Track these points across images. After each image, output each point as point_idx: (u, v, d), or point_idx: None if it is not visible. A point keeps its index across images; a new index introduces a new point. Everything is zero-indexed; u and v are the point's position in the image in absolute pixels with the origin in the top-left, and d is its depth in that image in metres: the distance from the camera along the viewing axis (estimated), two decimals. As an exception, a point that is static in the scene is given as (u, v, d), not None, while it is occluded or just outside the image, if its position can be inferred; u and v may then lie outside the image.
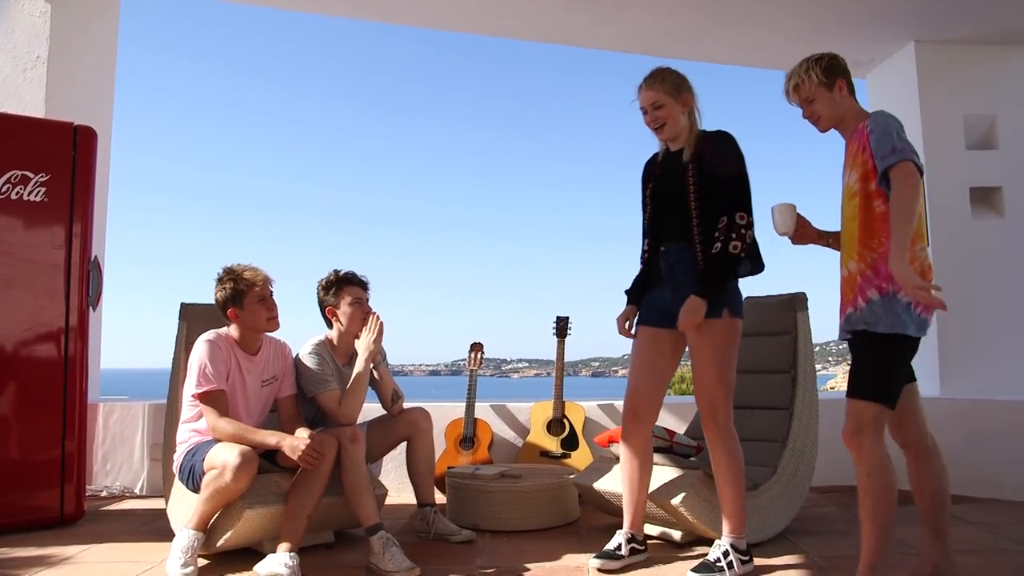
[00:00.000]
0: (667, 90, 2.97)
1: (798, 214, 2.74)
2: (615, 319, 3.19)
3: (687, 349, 3.06)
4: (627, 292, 3.21)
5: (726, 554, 2.88)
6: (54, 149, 3.87)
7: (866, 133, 2.47)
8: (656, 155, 3.18)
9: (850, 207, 2.55)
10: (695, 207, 2.92)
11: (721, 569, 2.83)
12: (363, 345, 3.42)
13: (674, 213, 2.98)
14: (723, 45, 5.50)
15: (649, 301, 3.12)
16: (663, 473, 3.32)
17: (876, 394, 2.41)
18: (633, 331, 3.15)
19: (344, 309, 3.48)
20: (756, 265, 2.99)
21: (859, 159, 2.50)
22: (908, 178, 2.35)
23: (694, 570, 2.86)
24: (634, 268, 3.24)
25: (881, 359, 2.43)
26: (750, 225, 2.87)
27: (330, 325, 3.56)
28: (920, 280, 2.29)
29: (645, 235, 3.17)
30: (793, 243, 2.81)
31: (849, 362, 2.58)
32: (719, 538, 3.01)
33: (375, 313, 3.49)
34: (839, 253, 2.67)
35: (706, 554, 3.00)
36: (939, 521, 2.63)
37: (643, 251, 3.18)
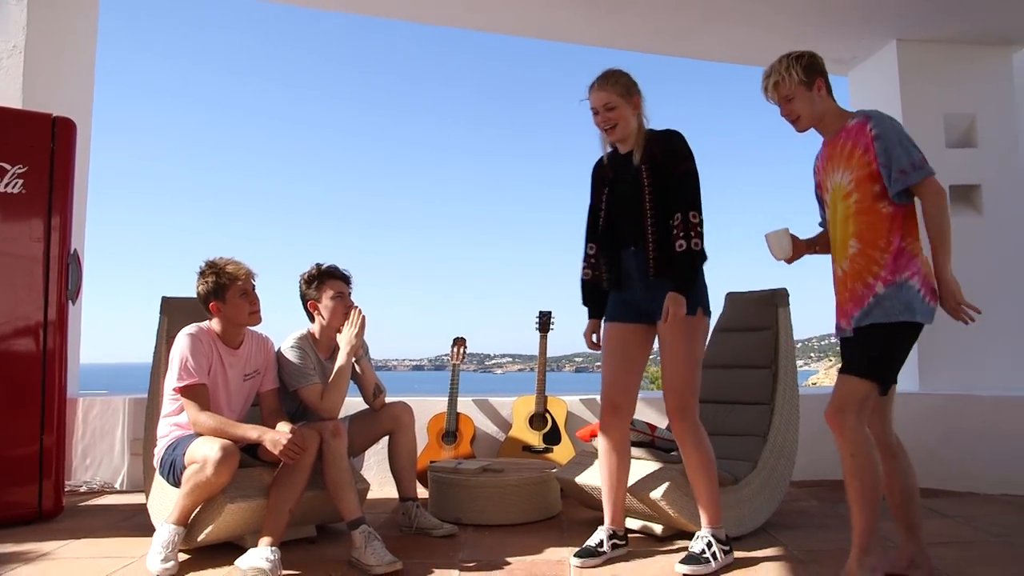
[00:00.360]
0: (619, 92, 2.99)
1: (791, 235, 2.80)
2: (583, 335, 3.24)
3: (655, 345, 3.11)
4: (586, 305, 3.24)
5: (709, 545, 2.91)
6: (32, 141, 3.83)
7: (869, 136, 2.48)
8: (602, 159, 3.19)
9: (845, 206, 2.56)
10: (649, 208, 2.96)
11: (707, 560, 2.86)
12: (345, 339, 3.41)
13: (631, 215, 3.02)
14: (711, 42, 5.53)
15: (617, 300, 3.14)
16: (644, 467, 3.34)
17: (871, 372, 2.44)
18: (599, 341, 3.19)
19: (326, 303, 3.47)
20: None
21: (856, 159, 2.51)
22: (941, 196, 2.48)
23: (682, 562, 2.88)
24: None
25: (885, 343, 2.47)
26: (702, 223, 2.90)
27: (312, 319, 3.54)
28: (963, 298, 2.44)
29: (593, 239, 3.19)
30: (789, 263, 2.86)
31: (831, 358, 2.62)
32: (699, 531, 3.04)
33: (357, 307, 3.48)
34: (830, 254, 2.71)
35: (687, 547, 3.02)
36: (910, 516, 2.67)
37: (588, 254, 3.20)
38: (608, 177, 3.14)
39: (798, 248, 2.82)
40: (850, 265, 2.54)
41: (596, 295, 3.21)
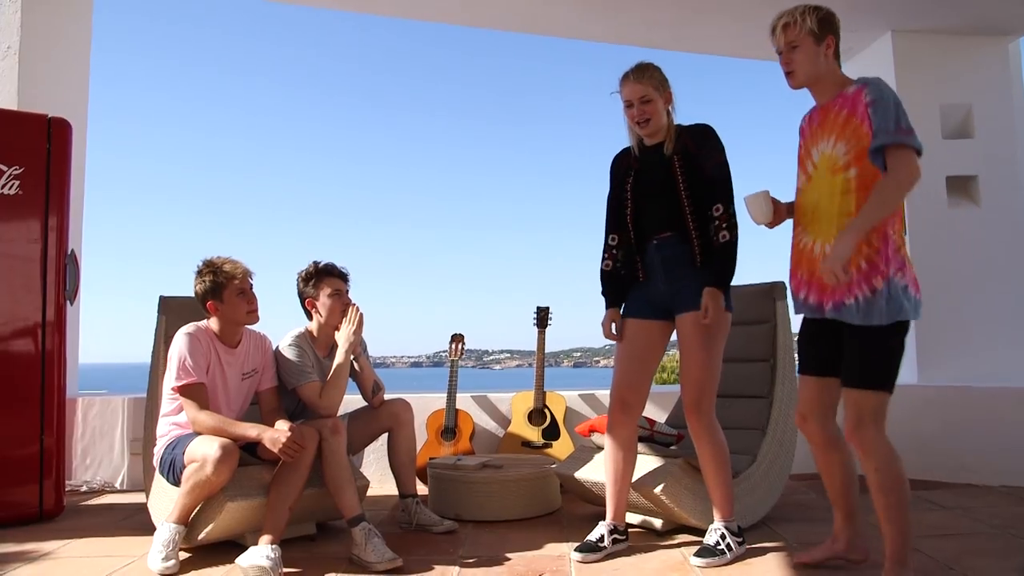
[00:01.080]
0: (655, 85, 2.98)
1: (772, 198, 2.68)
2: (600, 324, 3.19)
3: (670, 340, 3.10)
4: (605, 295, 3.19)
5: (723, 537, 2.92)
6: (28, 142, 3.82)
7: (864, 101, 2.35)
8: (626, 150, 3.17)
9: (836, 181, 2.42)
10: (687, 197, 2.93)
11: (722, 552, 2.87)
12: (343, 337, 3.41)
13: (661, 206, 2.99)
14: (704, 35, 5.52)
15: (636, 295, 3.13)
16: (644, 462, 3.34)
17: (880, 382, 2.35)
18: (618, 332, 3.15)
19: (323, 301, 3.47)
20: None
21: (852, 129, 2.38)
22: (911, 170, 2.29)
23: (697, 555, 2.90)
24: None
25: (883, 347, 2.36)
26: (735, 215, 2.91)
27: (310, 317, 3.55)
28: (843, 274, 2.25)
29: (615, 229, 3.17)
30: (770, 228, 2.77)
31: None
32: (701, 525, 3.08)
33: (355, 305, 3.48)
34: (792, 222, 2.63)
35: (687, 542, 3.04)
36: (850, 504, 2.68)
37: (609, 245, 3.17)
38: (633, 167, 3.10)
39: (779, 212, 2.70)
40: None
41: (616, 285, 3.17)
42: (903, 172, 2.29)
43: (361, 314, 3.46)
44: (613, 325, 3.15)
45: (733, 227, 2.88)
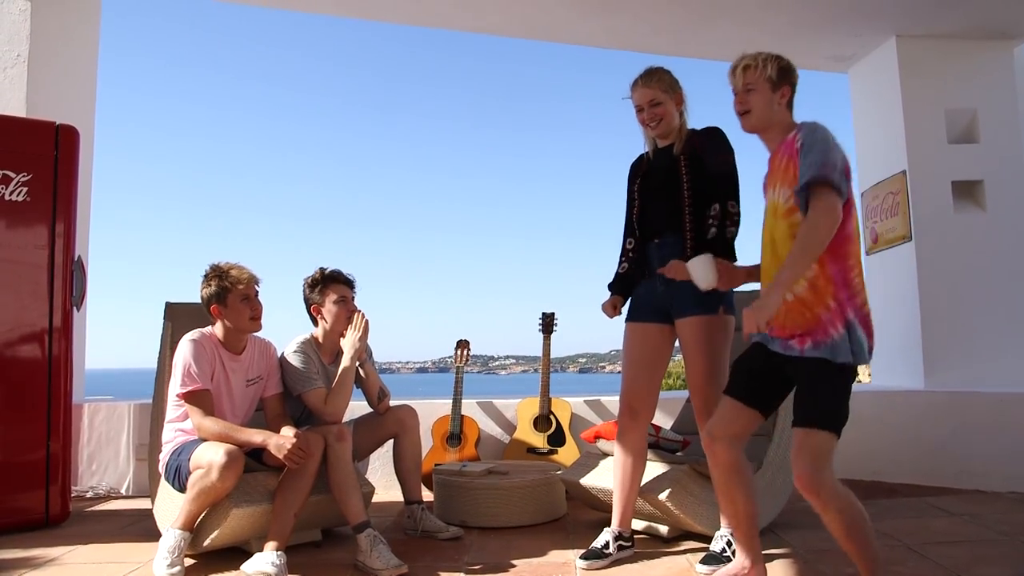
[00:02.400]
0: (664, 88, 3.01)
1: (717, 261, 2.63)
2: (600, 308, 3.19)
3: (676, 344, 3.09)
4: (610, 286, 3.21)
5: (729, 544, 2.91)
6: (36, 149, 3.84)
7: (795, 145, 2.35)
8: (644, 155, 3.19)
9: (783, 225, 2.40)
10: (688, 196, 2.95)
11: (728, 558, 2.86)
12: (349, 343, 3.41)
13: (664, 205, 3.01)
14: (705, 41, 5.52)
15: (637, 297, 3.13)
16: (649, 468, 3.33)
17: (837, 424, 2.29)
18: (620, 311, 3.16)
19: (329, 307, 3.47)
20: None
21: (790, 173, 2.36)
22: (829, 212, 2.22)
23: (702, 562, 2.89)
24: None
25: (841, 388, 2.31)
26: (739, 214, 2.92)
27: (315, 323, 3.55)
28: (764, 326, 2.21)
29: (629, 232, 3.18)
30: (722, 290, 2.74)
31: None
32: (707, 532, 3.08)
33: (360, 311, 3.48)
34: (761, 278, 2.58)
35: (693, 548, 3.03)
36: (754, 533, 2.62)
37: (626, 248, 3.19)
38: (643, 169, 3.15)
39: (733, 275, 2.68)
40: (804, 292, 2.32)
41: (626, 282, 3.18)
42: (816, 213, 2.24)
43: (367, 321, 3.46)
44: (613, 307, 3.16)
45: (725, 225, 2.88)
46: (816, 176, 2.24)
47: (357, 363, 3.44)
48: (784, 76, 2.51)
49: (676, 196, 2.97)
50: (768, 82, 2.48)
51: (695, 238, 2.93)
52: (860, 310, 2.33)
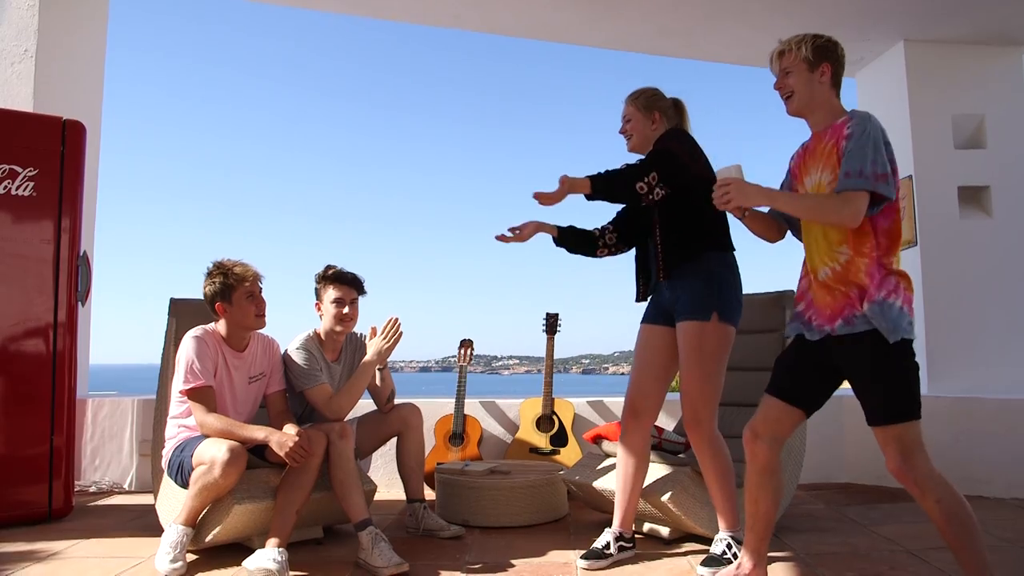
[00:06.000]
0: (639, 107, 3.12)
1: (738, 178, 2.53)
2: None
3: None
4: (563, 228, 3.22)
5: (729, 547, 2.91)
6: (42, 144, 3.85)
7: (844, 134, 2.34)
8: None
9: None
10: (656, 211, 3.02)
11: (728, 561, 2.85)
12: (374, 347, 3.43)
13: (648, 217, 3.08)
14: (713, 43, 5.52)
15: (652, 299, 3.16)
16: (652, 470, 3.33)
17: (914, 410, 2.23)
18: (525, 231, 3.14)
19: (326, 306, 3.48)
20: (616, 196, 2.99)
21: (835, 158, 2.36)
22: (853, 210, 2.25)
23: (703, 564, 2.89)
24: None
25: (906, 370, 2.26)
26: (656, 186, 2.86)
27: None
28: (734, 194, 2.37)
29: (614, 222, 3.29)
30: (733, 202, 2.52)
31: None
32: (708, 534, 3.08)
33: (396, 319, 3.48)
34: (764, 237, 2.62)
35: (694, 550, 3.04)
36: (767, 536, 2.58)
37: (606, 227, 3.26)
38: None
39: (746, 190, 2.55)
40: (833, 273, 2.36)
41: (571, 234, 3.22)
42: (837, 209, 2.29)
43: (401, 332, 3.46)
44: (535, 225, 3.14)
45: (638, 175, 2.86)
46: (859, 186, 2.25)
47: (377, 368, 3.45)
48: (822, 54, 2.48)
49: (648, 209, 3.07)
50: (804, 62, 2.47)
51: (664, 253, 2.99)
52: (896, 290, 2.31)
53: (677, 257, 2.97)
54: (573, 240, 3.22)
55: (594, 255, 3.25)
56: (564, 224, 3.23)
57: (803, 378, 2.49)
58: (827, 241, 2.40)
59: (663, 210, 2.99)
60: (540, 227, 3.16)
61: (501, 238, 3.16)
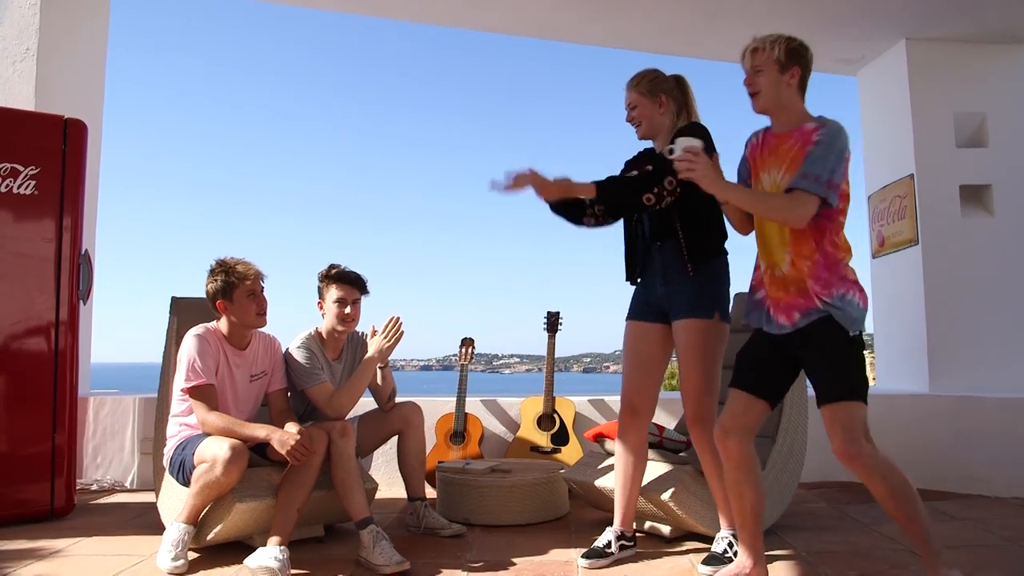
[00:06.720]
0: (643, 91, 3.02)
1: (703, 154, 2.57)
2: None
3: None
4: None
5: (731, 545, 2.91)
6: (44, 142, 3.85)
7: (813, 138, 2.41)
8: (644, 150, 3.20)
9: None
10: (676, 207, 2.92)
11: (729, 559, 2.85)
12: (375, 346, 3.43)
13: (660, 210, 2.98)
14: (713, 41, 5.51)
15: (637, 296, 3.13)
16: (653, 468, 3.34)
17: (859, 392, 2.35)
18: (520, 180, 2.93)
19: (328, 305, 3.48)
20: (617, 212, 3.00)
21: (798, 161, 2.42)
22: (801, 213, 2.36)
23: (704, 563, 2.89)
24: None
25: (859, 358, 2.39)
26: (670, 195, 2.82)
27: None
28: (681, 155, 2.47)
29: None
30: (697, 180, 2.57)
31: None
32: (710, 533, 3.08)
33: (397, 318, 3.48)
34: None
35: (695, 549, 3.04)
36: (758, 529, 2.61)
37: (595, 211, 3.07)
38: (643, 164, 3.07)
39: (712, 171, 2.61)
40: (792, 269, 2.44)
41: (566, 203, 3.05)
42: (788, 209, 2.39)
43: (402, 331, 3.46)
44: (524, 176, 2.91)
45: (646, 185, 2.81)
46: (812, 189, 2.35)
47: (379, 366, 3.45)
48: (793, 57, 2.52)
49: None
50: (776, 63, 2.51)
51: (688, 243, 2.92)
52: (854, 287, 2.41)
53: (702, 252, 2.92)
54: (562, 201, 3.05)
55: (579, 223, 3.10)
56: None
57: (765, 370, 2.57)
58: (783, 238, 2.48)
59: (685, 206, 2.90)
60: (535, 180, 2.92)
61: (496, 185, 2.94)
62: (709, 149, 2.94)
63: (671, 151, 2.59)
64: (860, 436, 2.31)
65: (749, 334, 2.65)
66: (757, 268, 2.63)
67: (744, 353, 2.63)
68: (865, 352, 2.45)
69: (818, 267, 2.41)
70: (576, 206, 3.07)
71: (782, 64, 2.51)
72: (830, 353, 2.39)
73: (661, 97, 3.03)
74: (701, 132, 2.94)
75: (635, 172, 2.93)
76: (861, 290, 2.45)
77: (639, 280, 3.13)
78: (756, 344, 2.61)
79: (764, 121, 2.63)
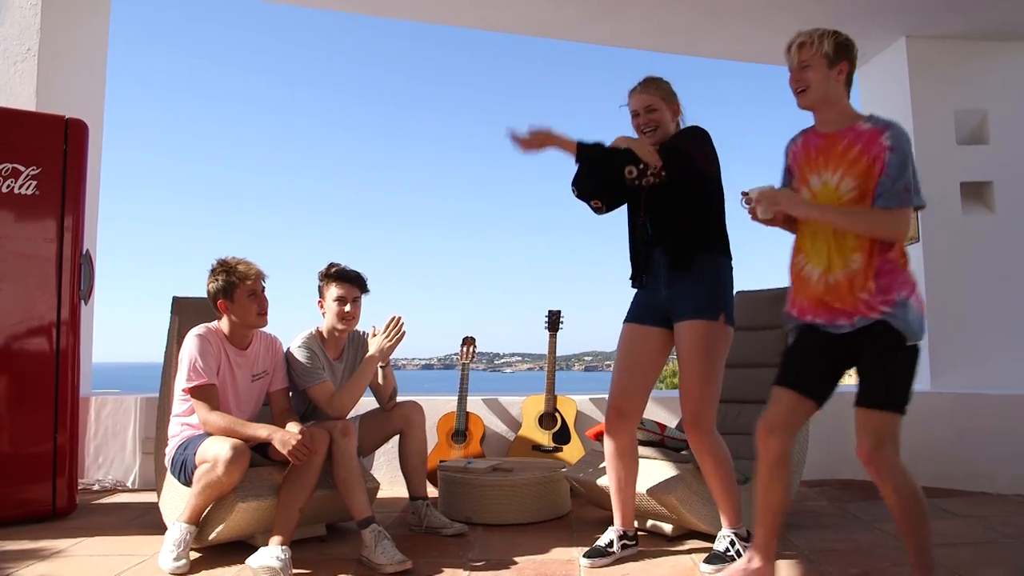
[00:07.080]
0: (661, 96, 3.02)
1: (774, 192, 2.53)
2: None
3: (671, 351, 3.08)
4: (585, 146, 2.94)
5: (732, 543, 2.91)
6: (45, 142, 3.85)
7: (884, 145, 2.33)
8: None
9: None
10: (667, 203, 2.95)
11: (732, 558, 2.85)
12: (376, 345, 3.43)
13: (664, 211, 3.00)
14: (714, 39, 5.51)
15: (638, 299, 3.12)
16: (654, 467, 3.34)
17: (902, 404, 2.30)
18: (534, 140, 2.92)
19: (328, 303, 3.48)
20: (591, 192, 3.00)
21: (862, 167, 2.35)
22: (901, 229, 2.32)
23: (706, 561, 2.89)
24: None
25: (910, 369, 2.33)
26: (654, 176, 2.82)
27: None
28: (765, 202, 2.39)
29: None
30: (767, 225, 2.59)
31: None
32: (712, 531, 3.07)
33: (399, 317, 3.49)
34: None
35: (697, 548, 3.04)
36: (778, 527, 2.56)
37: (597, 206, 3.11)
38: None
39: (777, 214, 2.58)
40: (845, 276, 2.37)
41: (584, 173, 3.02)
42: (896, 227, 2.33)
43: (403, 331, 3.47)
44: (540, 135, 2.90)
45: (641, 168, 2.81)
46: (914, 203, 2.31)
47: (380, 365, 3.45)
48: (842, 52, 2.47)
49: (670, 201, 2.98)
50: (824, 58, 2.46)
51: (677, 242, 2.94)
52: (910, 288, 2.35)
53: (690, 250, 2.92)
54: (589, 171, 2.99)
55: (595, 197, 3.07)
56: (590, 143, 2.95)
57: (815, 366, 2.49)
58: (841, 241, 2.40)
59: (685, 206, 2.93)
60: (554, 140, 2.89)
61: (514, 138, 2.89)
62: (710, 151, 2.94)
63: (747, 197, 2.50)
64: (888, 444, 2.28)
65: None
66: (799, 268, 2.53)
67: (792, 350, 2.57)
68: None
69: (889, 266, 2.35)
70: (599, 181, 3.03)
71: (830, 59, 2.46)
72: (882, 358, 2.33)
73: (675, 105, 3.06)
74: (703, 135, 2.95)
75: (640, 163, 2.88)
76: (917, 291, 2.37)
77: (643, 283, 3.12)
78: (806, 342, 2.52)
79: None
